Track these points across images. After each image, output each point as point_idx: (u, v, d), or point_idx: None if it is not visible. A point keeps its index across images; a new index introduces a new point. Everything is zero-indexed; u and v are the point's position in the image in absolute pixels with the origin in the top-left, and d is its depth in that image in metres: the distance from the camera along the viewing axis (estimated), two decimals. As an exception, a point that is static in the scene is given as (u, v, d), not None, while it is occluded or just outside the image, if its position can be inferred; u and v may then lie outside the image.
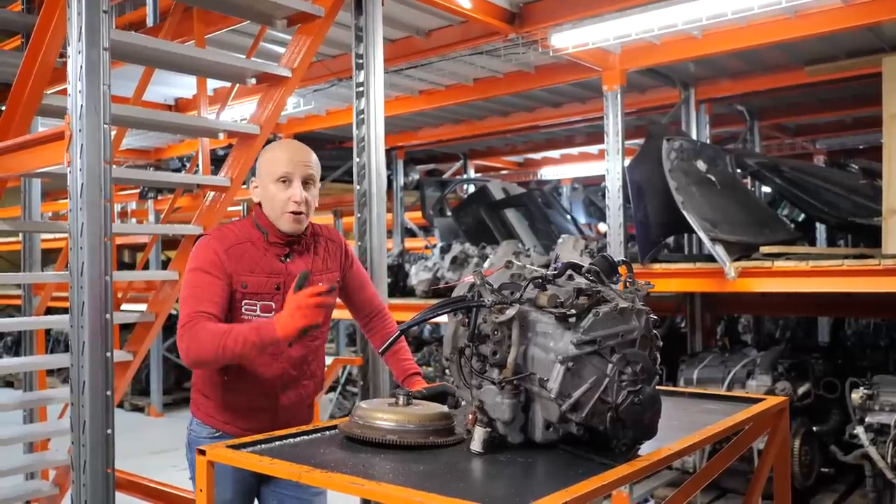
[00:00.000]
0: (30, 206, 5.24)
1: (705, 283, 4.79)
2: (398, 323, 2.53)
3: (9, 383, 11.18)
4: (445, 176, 10.15)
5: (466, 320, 2.00)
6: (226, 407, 2.38)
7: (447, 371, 2.18)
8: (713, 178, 5.20)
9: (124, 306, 4.70)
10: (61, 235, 5.21)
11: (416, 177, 9.42)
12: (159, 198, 9.15)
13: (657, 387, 2.01)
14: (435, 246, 7.22)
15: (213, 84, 5.64)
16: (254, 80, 3.51)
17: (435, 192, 8.93)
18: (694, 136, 6.07)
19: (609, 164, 5.11)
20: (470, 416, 2.01)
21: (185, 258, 3.67)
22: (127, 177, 3.15)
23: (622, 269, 2.17)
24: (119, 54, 2.80)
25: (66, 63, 2.41)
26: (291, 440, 2.08)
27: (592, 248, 5.90)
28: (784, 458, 2.48)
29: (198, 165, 4.11)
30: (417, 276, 6.42)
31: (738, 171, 5.85)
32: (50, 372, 9.32)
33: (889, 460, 4.25)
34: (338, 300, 2.58)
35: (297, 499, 2.44)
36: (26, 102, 2.88)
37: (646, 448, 1.93)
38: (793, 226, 6.41)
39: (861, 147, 8.86)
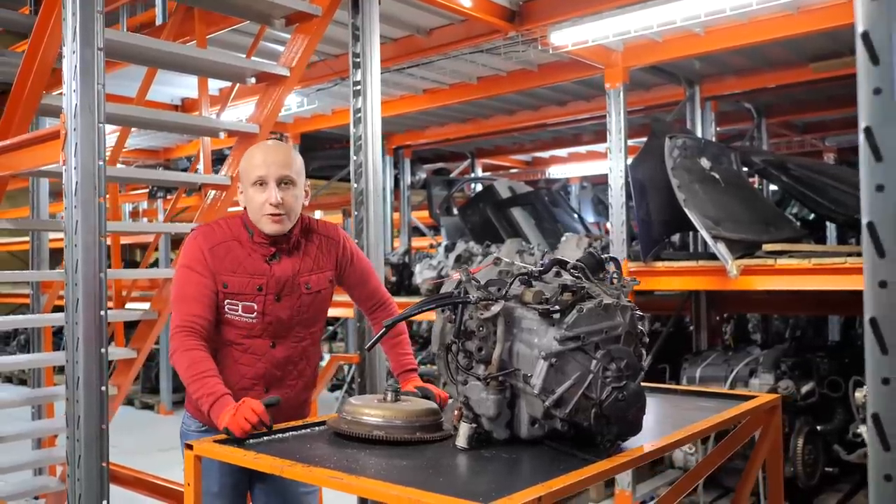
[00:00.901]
0: (38, 206, 5.30)
1: (708, 281, 4.78)
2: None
3: (22, 381, 11.28)
4: (453, 175, 10.15)
5: (453, 317, 2.01)
6: None
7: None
8: (717, 176, 5.17)
9: (130, 304, 4.76)
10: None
11: (423, 176, 9.44)
12: (168, 197, 9.21)
13: (643, 383, 2.01)
14: (440, 245, 7.24)
15: (218, 84, 5.68)
16: (253, 80, 3.53)
17: (442, 190, 8.94)
18: (699, 134, 6.05)
19: (612, 162, 5.10)
20: (455, 412, 2.02)
21: (186, 256, 3.72)
22: (124, 175, 3.18)
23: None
24: (115, 54, 2.83)
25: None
26: (280, 435, 2.10)
27: (596, 246, 5.93)
28: (776, 456, 2.47)
29: (199, 164, 4.14)
30: (422, 274, 6.43)
31: (744, 168, 5.82)
32: (60, 369, 9.40)
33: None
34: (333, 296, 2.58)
35: (284, 496, 2.44)
36: (26, 102, 2.92)
37: (630, 444, 1.93)
38: (800, 224, 6.37)
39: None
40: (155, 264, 8.87)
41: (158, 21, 5.35)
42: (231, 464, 2.10)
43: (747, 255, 4.56)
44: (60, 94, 2.48)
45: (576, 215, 8.20)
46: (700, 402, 2.54)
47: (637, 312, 2.02)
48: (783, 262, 4.37)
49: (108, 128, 5.70)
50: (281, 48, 4.74)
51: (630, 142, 7.03)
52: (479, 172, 9.93)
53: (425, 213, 9.34)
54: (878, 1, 0.95)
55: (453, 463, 1.85)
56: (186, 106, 6.65)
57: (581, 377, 1.86)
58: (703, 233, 4.54)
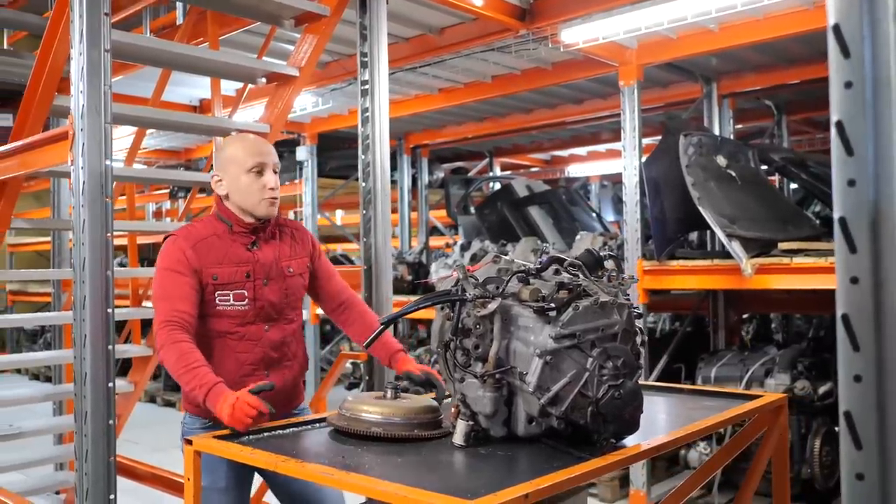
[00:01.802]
0: (58, 206, 5.38)
1: (722, 279, 4.73)
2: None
3: (48, 378, 11.47)
4: (471, 174, 10.15)
5: (452, 314, 2.02)
6: None
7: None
8: (733, 174, 5.12)
9: (148, 303, 4.82)
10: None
11: (441, 175, 9.44)
12: (189, 196, 9.28)
13: (652, 382, 2.01)
14: (457, 244, 7.24)
15: (234, 85, 5.73)
16: (264, 80, 3.56)
17: (459, 189, 8.93)
18: (717, 132, 5.99)
19: (626, 160, 5.08)
20: (453, 410, 2.03)
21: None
22: (132, 175, 3.22)
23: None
24: (123, 56, 2.87)
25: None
26: (279, 431, 2.12)
27: (611, 244, 5.89)
28: (782, 456, 2.45)
29: (212, 164, 4.17)
30: (438, 273, 6.44)
31: (763, 166, 5.76)
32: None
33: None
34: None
35: (297, 486, 2.46)
36: (39, 103, 2.97)
37: (628, 443, 1.93)
38: (821, 223, 6.28)
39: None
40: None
41: (179, 22, 5.41)
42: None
43: (763, 254, 4.51)
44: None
45: (594, 214, 8.16)
46: (705, 401, 2.51)
47: (635, 310, 2.01)
48: (799, 260, 4.32)
49: (126, 129, 5.79)
50: (293, 48, 4.78)
51: (648, 140, 7.02)
52: (498, 171, 9.92)
53: (443, 213, 9.35)
54: (849, -7, 0.94)
55: (449, 460, 1.85)
56: (204, 106, 6.72)
57: (577, 375, 1.86)
58: (718, 231, 4.50)
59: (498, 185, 9.04)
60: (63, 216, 5.37)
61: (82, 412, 2.41)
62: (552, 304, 1.88)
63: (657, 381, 5.12)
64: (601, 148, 9.61)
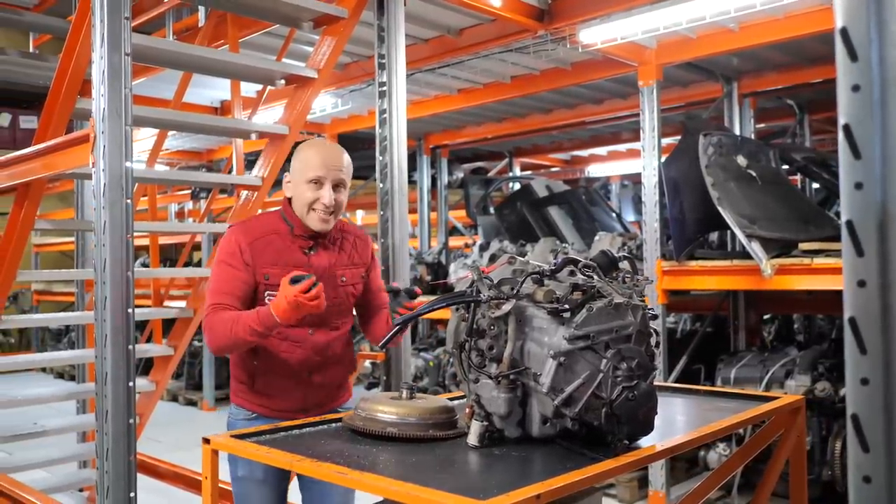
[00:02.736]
0: (82, 207, 5.46)
1: (742, 280, 4.70)
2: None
3: (72, 377, 11.62)
4: (491, 174, 10.15)
5: (467, 315, 2.03)
6: (258, 390, 2.51)
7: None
8: (754, 174, 5.08)
9: (170, 302, 4.89)
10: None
11: (461, 175, 9.45)
12: (210, 197, 9.36)
13: (667, 384, 2.01)
14: (476, 244, 7.25)
15: (255, 87, 5.78)
16: (283, 82, 3.59)
17: (479, 190, 8.94)
18: (737, 131, 5.95)
19: (645, 160, 5.06)
20: (467, 410, 2.04)
21: (220, 256, 3.80)
22: (152, 177, 3.26)
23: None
24: (144, 59, 2.91)
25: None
26: (296, 431, 2.14)
27: (630, 245, 5.87)
28: (800, 458, 2.43)
29: (233, 166, 4.22)
30: (457, 273, 6.46)
31: (784, 166, 5.71)
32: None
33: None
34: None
35: (327, 487, 2.50)
36: (61, 106, 3.02)
37: (643, 444, 1.92)
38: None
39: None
40: (198, 263, 9.07)
41: (201, 24, 5.47)
42: None
43: (783, 255, 4.47)
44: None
45: (614, 214, 8.13)
46: (721, 402, 2.50)
47: (650, 312, 2.01)
48: (820, 261, 4.28)
49: (148, 131, 5.86)
50: (311, 49, 4.82)
51: (669, 140, 6.99)
52: (517, 171, 9.91)
53: (462, 213, 9.36)
54: (856, -4, 0.93)
55: (463, 460, 1.86)
56: (225, 108, 6.78)
57: (590, 376, 1.86)
58: (737, 231, 4.47)
59: (517, 186, 9.03)
60: (86, 217, 5.45)
61: (103, 411, 2.44)
62: (566, 306, 1.88)
63: (676, 381, 5.09)
64: (621, 148, 9.57)
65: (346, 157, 2.52)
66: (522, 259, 2.21)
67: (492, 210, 8.54)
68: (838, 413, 4.66)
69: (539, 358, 1.91)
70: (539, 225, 7.39)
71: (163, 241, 8.68)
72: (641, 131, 5.07)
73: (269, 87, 4.08)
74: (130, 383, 2.48)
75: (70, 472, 5.09)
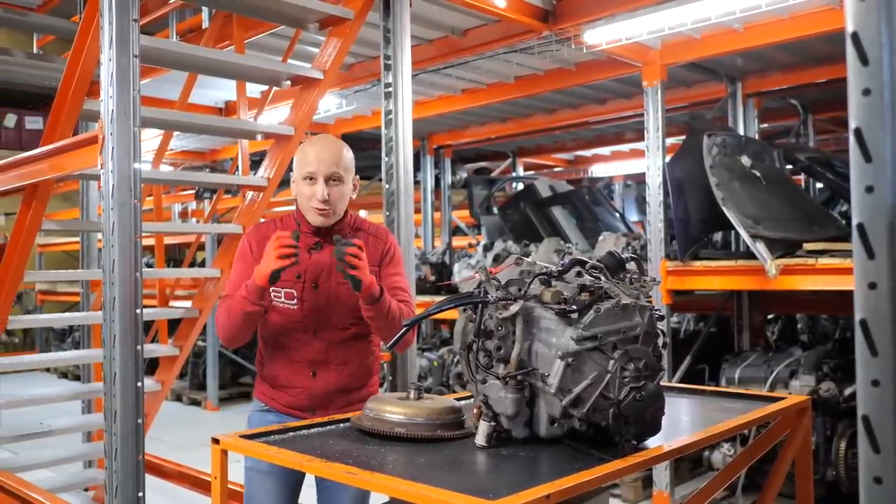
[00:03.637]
0: (87, 208, 5.48)
1: (747, 280, 4.70)
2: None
3: (76, 377, 11.65)
4: (494, 174, 10.15)
5: (474, 316, 2.04)
6: (268, 382, 2.58)
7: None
8: (758, 174, 5.09)
9: (176, 303, 4.89)
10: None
11: (464, 175, 9.46)
12: (215, 198, 9.39)
13: (673, 384, 2.01)
14: (479, 244, 7.25)
15: (260, 87, 5.79)
16: (288, 83, 3.60)
17: (482, 190, 8.94)
18: (741, 131, 5.95)
19: (650, 160, 5.07)
20: (475, 411, 2.05)
21: (225, 256, 3.82)
22: (160, 178, 3.27)
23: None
24: (152, 60, 2.92)
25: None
26: (304, 431, 2.15)
27: (634, 245, 5.87)
28: (806, 458, 2.44)
29: (238, 166, 4.23)
30: (461, 273, 6.46)
31: (788, 166, 5.71)
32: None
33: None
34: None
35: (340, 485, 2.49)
36: (69, 107, 3.03)
37: (650, 444, 1.93)
38: (846, 223, 6.22)
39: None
40: (202, 264, 9.09)
41: (205, 25, 5.48)
42: None
43: (788, 255, 4.48)
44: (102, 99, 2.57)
45: (618, 214, 8.14)
46: (727, 403, 2.51)
47: (657, 312, 2.02)
48: (824, 261, 4.28)
49: (152, 131, 5.90)
50: (317, 50, 4.84)
51: (672, 140, 6.99)
52: (521, 171, 9.91)
53: (466, 213, 9.36)
54: (867, 1, 0.94)
55: (471, 461, 1.87)
56: (230, 108, 6.79)
57: (598, 377, 1.86)
58: (742, 232, 4.48)
59: (521, 186, 9.04)
60: (92, 217, 5.47)
61: (112, 411, 2.45)
62: (574, 307, 1.89)
63: (681, 381, 5.10)
64: (625, 148, 9.58)
65: (344, 151, 2.54)
66: (529, 260, 2.22)
67: (495, 210, 8.54)
68: (843, 413, 4.67)
69: (547, 359, 1.92)
70: (543, 225, 7.39)
71: (167, 241, 8.69)
72: (646, 131, 5.08)
73: (274, 88, 4.09)
74: (139, 383, 2.49)
75: (75, 472, 5.10)
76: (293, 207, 2.60)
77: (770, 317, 7.02)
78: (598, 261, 2.10)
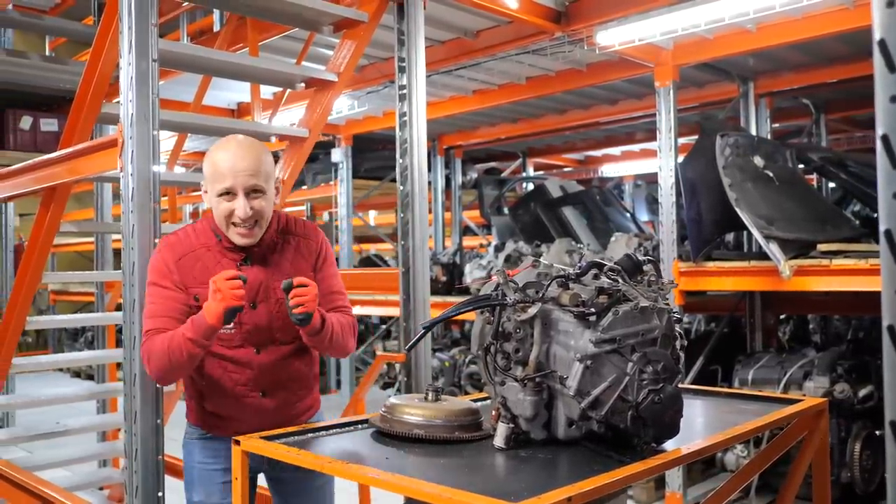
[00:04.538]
0: (102, 209, 5.51)
1: (760, 281, 4.69)
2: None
3: (89, 376, 11.70)
4: (504, 174, 10.16)
5: (492, 318, 2.05)
6: (210, 412, 2.34)
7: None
8: (771, 174, 5.07)
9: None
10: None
11: (475, 175, 9.47)
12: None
13: (689, 385, 2.01)
14: (490, 244, 7.26)
15: (272, 89, 5.82)
16: (303, 85, 3.61)
17: (493, 190, 8.96)
18: (753, 131, 5.94)
19: (662, 160, 5.06)
20: (493, 413, 2.06)
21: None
22: (179, 180, 3.29)
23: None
24: (169, 64, 2.94)
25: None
26: (323, 433, 2.16)
27: (647, 245, 5.87)
28: (823, 461, 2.43)
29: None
30: (472, 274, 6.48)
31: (801, 166, 5.69)
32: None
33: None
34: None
35: (299, 489, 2.45)
36: (87, 111, 3.05)
37: (668, 447, 1.94)
38: (860, 223, 6.19)
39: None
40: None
41: (216, 27, 5.52)
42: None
43: (801, 255, 4.47)
44: (118, 102, 2.60)
45: (628, 214, 8.13)
46: (743, 405, 2.51)
47: (675, 315, 2.02)
48: (839, 262, 4.27)
49: (165, 133, 5.94)
50: (331, 52, 4.86)
51: (684, 140, 6.97)
52: (531, 172, 9.92)
53: (477, 213, 9.38)
54: (895, 9, 0.95)
55: (490, 462, 1.88)
56: (242, 110, 6.82)
57: (617, 379, 1.87)
58: (755, 232, 4.47)
59: (531, 186, 9.04)
60: (106, 218, 5.51)
61: (132, 412, 2.48)
62: (592, 309, 1.90)
63: (693, 382, 5.09)
64: (635, 148, 9.57)
65: (264, 156, 2.22)
66: (545, 262, 2.23)
67: (506, 210, 8.55)
68: (857, 415, 4.66)
69: (565, 361, 1.93)
70: (553, 225, 7.39)
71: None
72: (658, 132, 5.07)
73: (288, 90, 4.11)
74: (157, 384, 2.50)
75: (90, 471, 5.14)
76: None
77: (782, 317, 7.00)
78: (615, 263, 2.10)
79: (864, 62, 5.47)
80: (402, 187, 3.48)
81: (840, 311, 6.79)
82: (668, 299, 2.08)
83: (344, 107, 6.62)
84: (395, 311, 6.56)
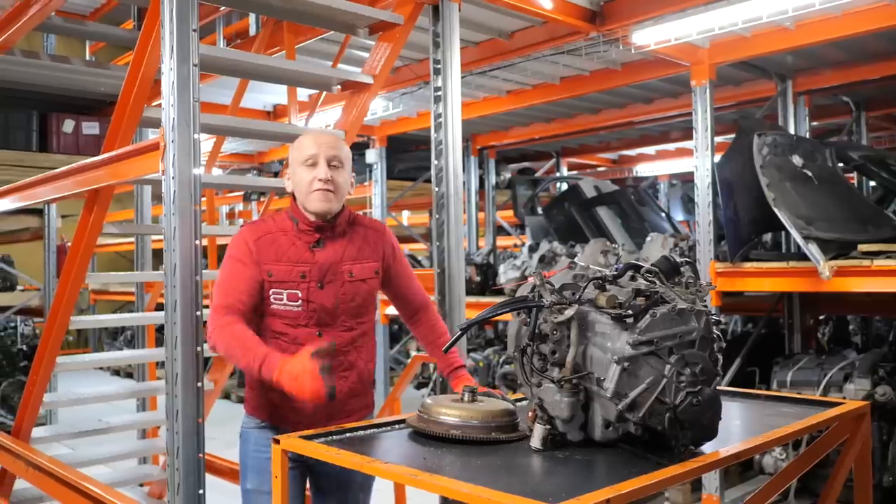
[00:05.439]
0: (141, 210, 5.63)
1: (799, 282, 4.63)
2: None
3: (129, 374, 11.93)
4: (538, 174, 10.13)
5: (528, 320, 2.05)
6: (268, 402, 2.43)
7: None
8: (810, 174, 5.00)
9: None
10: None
11: (508, 175, 9.46)
12: (261, 199, 9.56)
13: (727, 388, 2.00)
14: (524, 244, 7.25)
15: (308, 91, 5.88)
16: (338, 87, 3.65)
17: (527, 190, 8.94)
18: (791, 130, 5.86)
19: (698, 160, 5.02)
20: (530, 414, 2.06)
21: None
22: (219, 182, 3.34)
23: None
24: (209, 68, 2.99)
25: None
26: (361, 433, 2.19)
27: (683, 246, 5.82)
28: (864, 466, 2.40)
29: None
30: (506, 274, 6.47)
31: (841, 165, 5.60)
32: (162, 364, 9.88)
33: None
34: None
35: (342, 481, 2.51)
36: (130, 114, 3.11)
37: (706, 449, 1.93)
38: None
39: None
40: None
41: (252, 30, 5.59)
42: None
43: (841, 256, 4.40)
44: (159, 105, 2.65)
45: (663, 214, 8.06)
46: (783, 407, 2.49)
47: (713, 317, 2.01)
48: (880, 262, 4.20)
49: (204, 135, 6.04)
50: (366, 55, 4.89)
51: (721, 138, 6.89)
52: (565, 171, 9.88)
53: (510, 213, 9.37)
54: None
55: (527, 463, 1.89)
56: (278, 112, 6.90)
57: (654, 381, 1.87)
58: (794, 233, 4.41)
59: (565, 186, 9.01)
60: (146, 219, 5.62)
61: (174, 410, 2.52)
62: (629, 311, 1.90)
63: (730, 384, 5.04)
64: (670, 147, 9.48)
65: (342, 144, 2.51)
66: (582, 264, 2.23)
67: (540, 210, 8.53)
68: (900, 418, 4.57)
69: (602, 363, 1.93)
70: (588, 225, 7.36)
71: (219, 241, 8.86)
72: (694, 131, 5.03)
73: (324, 92, 4.15)
74: (199, 383, 2.55)
75: (131, 468, 5.24)
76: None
77: (821, 318, 6.89)
78: (652, 265, 2.10)
79: (907, 59, 5.39)
80: (437, 189, 3.50)
81: (881, 313, 6.66)
82: (705, 301, 2.06)
83: (378, 108, 6.66)
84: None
